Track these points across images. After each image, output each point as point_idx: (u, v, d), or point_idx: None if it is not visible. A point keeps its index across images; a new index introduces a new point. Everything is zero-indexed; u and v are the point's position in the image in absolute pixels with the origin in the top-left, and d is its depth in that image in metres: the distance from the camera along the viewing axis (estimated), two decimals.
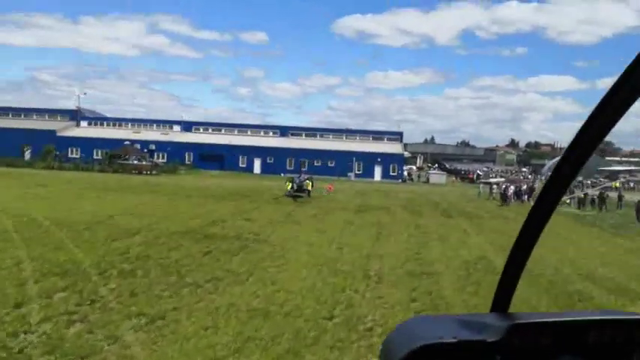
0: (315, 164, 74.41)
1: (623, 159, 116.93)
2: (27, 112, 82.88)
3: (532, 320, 1.11)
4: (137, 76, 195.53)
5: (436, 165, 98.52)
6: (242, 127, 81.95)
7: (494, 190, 47.99)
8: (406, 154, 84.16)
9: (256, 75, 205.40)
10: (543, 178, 63.38)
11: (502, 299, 1.24)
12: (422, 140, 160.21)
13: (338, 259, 16.91)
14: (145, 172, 62.19)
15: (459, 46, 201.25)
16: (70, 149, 74.76)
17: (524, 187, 49.45)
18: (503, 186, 48.07)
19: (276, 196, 39.31)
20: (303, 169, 74.13)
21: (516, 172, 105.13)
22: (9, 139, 71.92)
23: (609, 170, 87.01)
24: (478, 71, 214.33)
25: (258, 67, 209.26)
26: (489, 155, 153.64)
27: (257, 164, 75.05)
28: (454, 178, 78.97)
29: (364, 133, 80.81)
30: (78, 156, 73.67)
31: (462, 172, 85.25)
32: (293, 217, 28.57)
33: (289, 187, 40.94)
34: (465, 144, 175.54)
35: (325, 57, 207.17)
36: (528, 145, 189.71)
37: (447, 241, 22.34)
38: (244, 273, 14.22)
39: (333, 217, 29.14)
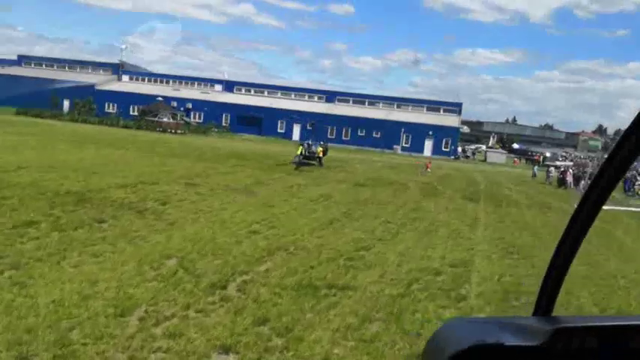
0: (359, 134, 67.83)
1: None
2: (71, 63, 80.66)
3: (576, 325, 1.08)
4: (223, 44, 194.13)
5: (501, 144, 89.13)
6: (286, 90, 76.12)
7: (551, 174, 39.86)
8: (464, 128, 75.61)
9: (340, 48, 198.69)
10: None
11: (545, 302, 1.18)
12: (504, 121, 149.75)
13: (210, 241, 10.96)
14: (169, 131, 57.92)
15: (554, 25, 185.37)
16: (107, 104, 71.74)
17: (589, 171, 40.89)
18: (562, 168, 39.90)
19: (284, 163, 33.35)
20: (345, 139, 68.01)
21: (596, 158, 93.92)
22: (48, 91, 69.64)
23: None
24: (572, 53, 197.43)
25: (342, 40, 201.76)
26: (571, 140, 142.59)
27: (296, 130, 69.16)
28: (516, 159, 70.03)
29: (418, 103, 72.87)
30: (114, 111, 70.56)
31: (529, 153, 75.86)
32: (263, 184, 22.63)
33: (299, 152, 34.89)
34: (547, 127, 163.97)
35: (411, 31, 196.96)
36: (617, 132, 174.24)
37: (434, 234, 15.76)
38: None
39: (316, 189, 22.97)
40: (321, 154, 35.64)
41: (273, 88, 76.50)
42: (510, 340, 1.03)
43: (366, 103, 72.96)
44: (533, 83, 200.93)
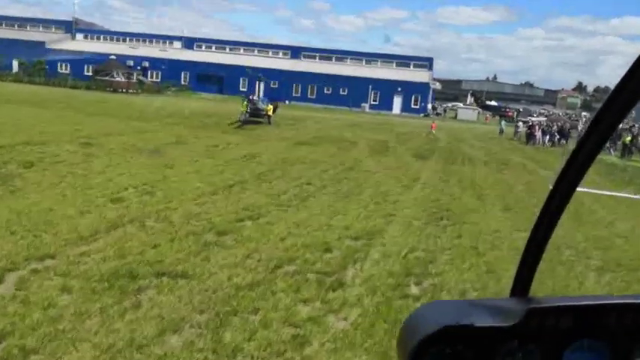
0: (325, 92, 64.75)
1: None
2: (21, 21, 75.81)
3: (550, 304, 1.07)
4: (202, 4, 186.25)
5: (471, 100, 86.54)
6: (249, 46, 72.30)
7: (519, 129, 37.49)
8: (436, 85, 72.78)
9: (321, 7, 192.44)
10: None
11: (521, 284, 1.16)
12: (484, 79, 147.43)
13: (45, 212, 8.33)
14: (120, 91, 54.45)
15: None
16: (59, 64, 67.53)
17: (560, 126, 38.65)
18: (529, 123, 37.64)
19: (230, 121, 30.55)
20: (311, 97, 64.95)
21: (574, 115, 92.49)
22: None
23: None
24: (555, 10, 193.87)
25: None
26: (550, 97, 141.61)
27: (260, 88, 65.90)
28: (488, 115, 67.58)
29: (387, 58, 69.67)
30: (68, 71, 66.45)
31: (502, 110, 73.49)
32: (183, 143, 20.02)
33: (243, 109, 32.10)
34: (527, 85, 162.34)
35: None
36: (597, 89, 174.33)
37: (355, 197, 13.34)
38: None
39: (245, 148, 20.47)
40: (270, 112, 32.81)
41: (235, 45, 72.66)
42: (484, 321, 1.02)
43: (334, 59, 69.61)
44: (515, 41, 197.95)
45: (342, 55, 70.31)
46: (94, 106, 33.48)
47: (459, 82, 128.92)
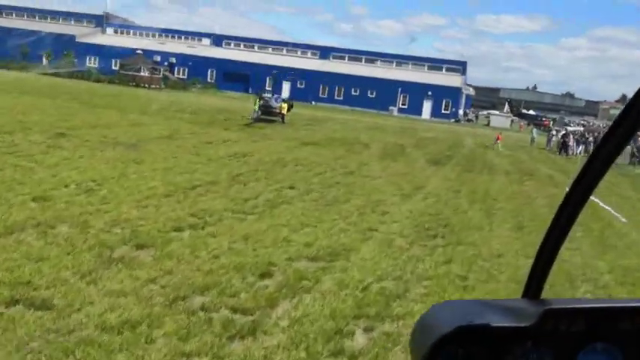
0: (353, 93, 62.72)
1: None
2: (53, 14, 76.02)
3: (565, 306, 1.07)
4: (243, 4, 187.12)
5: (507, 109, 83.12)
6: (277, 45, 70.71)
7: (552, 138, 34.87)
8: (469, 90, 69.95)
9: (360, 11, 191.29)
10: None
11: (534, 285, 1.14)
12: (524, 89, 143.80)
13: None
14: (143, 85, 53.61)
15: None
16: (88, 57, 67.24)
17: (597, 136, 35.80)
18: (563, 132, 35.01)
19: (242, 118, 29.05)
20: (338, 98, 63.11)
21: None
22: (29, 43, 65.17)
23: None
24: (599, 21, 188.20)
25: (362, 3, 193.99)
26: (592, 108, 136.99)
27: (285, 88, 64.29)
28: (522, 123, 64.46)
29: (419, 61, 67.16)
30: (96, 65, 66.07)
31: (538, 118, 70.24)
32: (174, 138, 18.43)
33: (255, 107, 30.48)
34: (568, 95, 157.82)
35: None
36: None
37: (338, 206, 11.47)
38: None
39: (241, 146, 18.89)
40: (284, 111, 31.07)
41: (264, 43, 71.21)
42: (498, 321, 1.01)
43: (363, 61, 67.45)
44: (557, 51, 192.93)
45: (371, 56, 68.11)
46: (103, 99, 32.27)
47: (497, 90, 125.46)
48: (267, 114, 30.52)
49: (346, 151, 21.23)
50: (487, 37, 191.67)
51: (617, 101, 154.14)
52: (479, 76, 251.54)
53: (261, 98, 31.13)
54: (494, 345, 1.00)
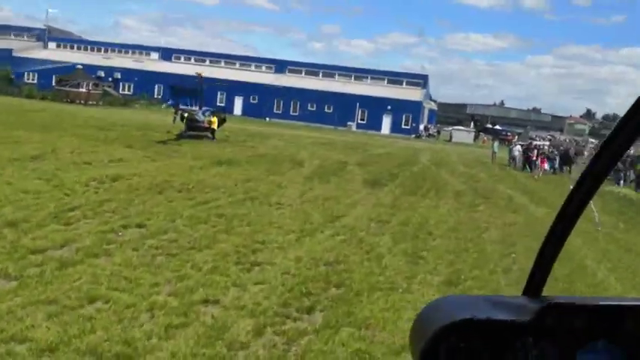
0: (309, 108, 59.34)
1: None
2: None
3: (566, 302, 1.06)
4: (214, 25, 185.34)
5: (472, 124, 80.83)
6: (230, 59, 67.01)
7: (514, 153, 31.73)
8: (431, 105, 67.27)
9: (332, 30, 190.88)
10: None
11: (535, 282, 1.15)
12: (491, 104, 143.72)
13: None
14: (78, 102, 49.40)
15: (549, 10, 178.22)
16: (26, 74, 62.66)
17: (564, 150, 32.89)
18: (521, 146, 32.01)
19: (168, 135, 25.24)
20: (294, 114, 59.68)
21: (582, 142, 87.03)
22: None
23: None
24: (565, 39, 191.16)
25: (334, 22, 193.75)
26: (557, 123, 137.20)
27: (238, 104, 60.72)
28: (485, 138, 61.79)
29: (378, 74, 64.16)
30: (34, 81, 61.60)
31: (503, 133, 67.72)
32: (38, 157, 14.50)
33: (173, 120, 26.94)
34: (534, 110, 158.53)
35: (404, 14, 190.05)
36: (606, 117, 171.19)
37: (171, 260, 7.63)
38: None
39: (127, 167, 14.97)
40: (213, 125, 27.35)
41: (215, 57, 67.48)
42: (499, 316, 1.01)
43: (320, 75, 64.23)
44: (524, 68, 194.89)
45: (329, 70, 64.88)
46: (15, 115, 28.12)
47: (464, 105, 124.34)
48: (194, 129, 26.80)
49: (266, 171, 17.60)
50: (456, 55, 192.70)
51: (581, 116, 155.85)
52: (448, 93, 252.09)
53: (177, 111, 27.44)
54: (494, 340, 1.00)
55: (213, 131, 27.30)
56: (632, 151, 41.34)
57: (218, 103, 57.47)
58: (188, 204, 11.29)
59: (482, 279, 8.15)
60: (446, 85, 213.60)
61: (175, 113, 27.46)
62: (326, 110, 59.04)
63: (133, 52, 68.63)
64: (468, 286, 7.75)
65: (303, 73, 64.62)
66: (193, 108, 28.22)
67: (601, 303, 1.08)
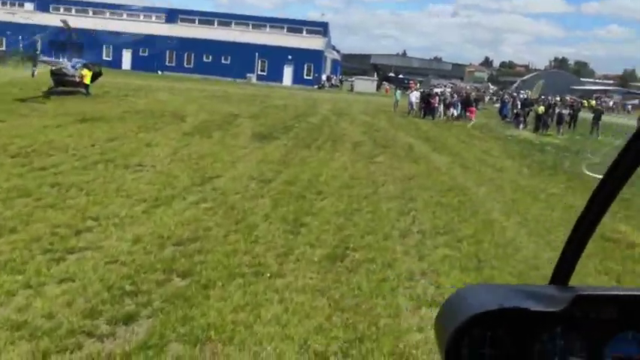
0: (205, 60, 55.90)
1: (598, 80, 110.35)
2: None
3: (595, 293, 1.05)
4: None
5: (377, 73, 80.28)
6: (116, 9, 61.56)
7: (412, 100, 30.69)
8: (334, 55, 65.62)
9: None
10: (508, 95, 46.07)
11: (563, 271, 1.13)
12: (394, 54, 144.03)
13: None
14: None
15: None
16: None
17: (465, 96, 32.34)
18: (421, 93, 31.11)
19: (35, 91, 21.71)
20: (188, 66, 56.03)
21: (482, 88, 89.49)
22: None
23: (583, 89, 78.01)
24: None
25: None
26: (458, 71, 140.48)
27: (126, 57, 56.19)
28: (388, 87, 61.23)
29: (277, 22, 61.34)
30: None
31: (405, 82, 67.48)
32: None
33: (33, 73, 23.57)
34: (436, 60, 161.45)
35: None
36: (502, 64, 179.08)
37: None
38: None
39: None
40: (86, 80, 24.11)
41: (99, 7, 61.71)
42: (527, 306, 0.99)
43: (216, 24, 60.48)
44: (426, 18, 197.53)
45: (225, 19, 61.24)
46: None
47: (367, 56, 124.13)
48: (64, 84, 23.50)
49: (138, 128, 15.24)
50: (360, 6, 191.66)
51: (481, 64, 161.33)
52: (353, 44, 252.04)
53: (36, 64, 24.05)
54: (522, 329, 0.99)
55: (86, 86, 24.14)
56: (529, 95, 41.81)
57: (104, 58, 52.87)
58: (17, 171, 8.93)
59: (375, 248, 6.59)
60: (351, 37, 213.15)
61: (34, 66, 23.95)
62: (223, 62, 55.87)
63: (4, 4, 61.44)
64: (356, 259, 6.14)
65: (197, 22, 60.60)
66: (60, 60, 24.74)
67: (631, 293, 1.06)
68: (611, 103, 61.99)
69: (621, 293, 1.07)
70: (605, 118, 28.65)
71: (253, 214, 7.62)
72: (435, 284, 5.66)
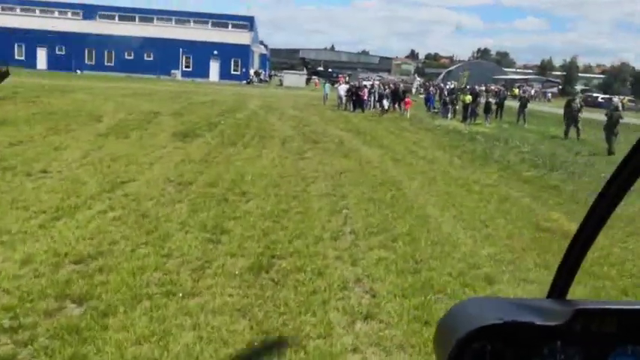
0: (126, 57, 53.72)
1: (518, 70, 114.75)
2: None
3: (595, 307, 1.05)
4: None
5: (304, 67, 79.90)
6: (28, 5, 57.97)
7: (341, 93, 30.29)
8: (261, 49, 64.62)
9: None
10: (434, 86, 46.62)
11: (560, 285, 1.13)
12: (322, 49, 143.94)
13: None
14: None
15: None
16: None
17: (394, 88, 32.26)
18: (350, 86, 30.81)
19: None
20: (109, 64, 53.66)
21: (409, 81, 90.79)
22: None
23: (505, 79, 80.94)
24: None
25: None
26: (385, 64, 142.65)
27: (41, 57, 53.17)
28: (317, 81, 60.93)
29: (201, 17, 59.70)
30: None
31: (334, 76, 67.38)
32: None
33: None
34: (363, 53, 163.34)
35: None
36: (428, 56, 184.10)
37: None
38: None
39: None
40: None
41: (8, 2, 57.99)
42: (526, 320, 0.99)
43: (137, 19, 58.22)
44: (352, 12, 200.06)
45: (146, 14, 59.06)
46: None
47: (296, 50, 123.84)
48: None
49: (47, 130, 14.02)
50: (287, 1, 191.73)
51: (407, 57, 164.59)
52: (283, 40, 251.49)
53: None
54: (522, 343, 0.98)
55: None
56: (456, 85, 42.42)
57: (17, 57, 49.86)
58: None
59: (304, 254, 5.98)
60: (280, 32, 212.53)
61: None
62: (146, 59, 53.94)
63: None
64: (283, 269, 5.52)
65: (117, 18, 58.16)
66: None
67: (631, 307, 1.06)
68: (532, 92, 64.16)
69: (621, 307, 1.06)
70: (528, 106, 29.29)
71: (168, 223, 6.84)
72: (370, 292, 5.12)
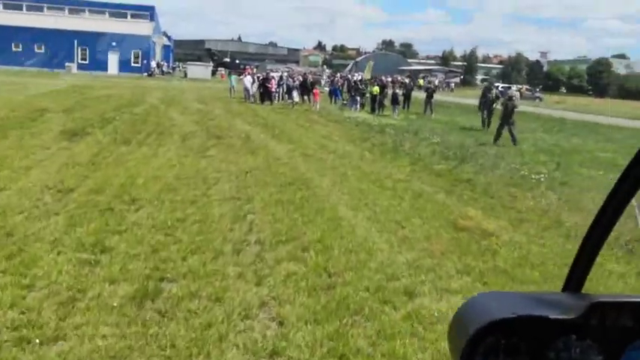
0: (14, 50, 49.65)
1: (422, 61, 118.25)
2: None
3: (611, 300, 1.03)
4: None
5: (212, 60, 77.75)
6: None
7: (247, 85, 29.25)
8: (164, 40, 61.93)
9: None
10: (341, 77, 46.44)
11: (575, 279, 1.11)
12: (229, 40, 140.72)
13: None
14: None
15: None
16: None
17: (302, 80, 31.54)
18: (252, 77, 29.86)
19: None
20: None
21: (318, 72, 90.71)
22: None
23: (410, 69, 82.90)
24: None
25: None
26: (293, 56, 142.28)
27: None
28: (223, 72, 59.35)
29: (97, 7, 56.21)
30: None
31: (241, 67, 65.97)
32: None
33: None
34: (271, 44, 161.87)
35: None
36: (335, 48, 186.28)
37: None
38: None
39: None
40: None
41: None
42: (541, 314, 0.98)
43: (24, 8, 53.90)
44: (260, 3, 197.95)
45: (35, 2, 54.81)
46: None
47: (201, 41, 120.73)
48: None
49: None
50: None
51: (314, 48, 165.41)
52: (188, 31, 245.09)
53: None
54: (537, 337, 0.97)
55: None
56: (363, 77, 42.45)
57: None
58: None
59: (200, 274, 5.13)
60: (186, 23, 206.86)
61: None
62: (37, 51, 50.23)
63: None
64: (173, 296, 4.64)
65: (1, 7, 53.55)
66: None
67: None
68: (436, 82, 65.93)
69: (637, 300, 1.03)
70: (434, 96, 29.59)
71: (37, 242, 5.73)
72: (277, 320, 4.36)
